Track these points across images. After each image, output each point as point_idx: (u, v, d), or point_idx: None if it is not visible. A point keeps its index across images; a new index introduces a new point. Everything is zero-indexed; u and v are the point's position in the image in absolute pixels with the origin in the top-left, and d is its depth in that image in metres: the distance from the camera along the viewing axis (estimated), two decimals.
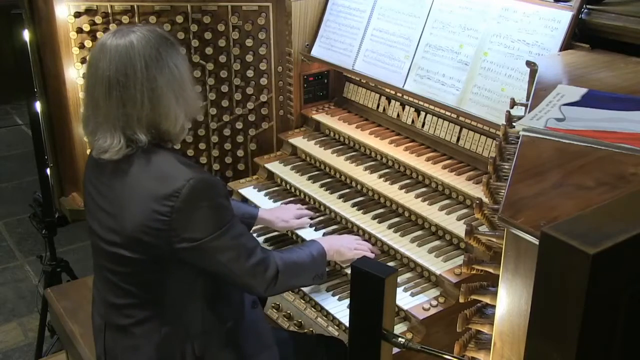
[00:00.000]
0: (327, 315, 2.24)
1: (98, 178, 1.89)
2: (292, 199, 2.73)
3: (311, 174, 2.80)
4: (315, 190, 2.67)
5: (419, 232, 2.38)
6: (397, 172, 2.64)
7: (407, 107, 2.78)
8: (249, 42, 2.97)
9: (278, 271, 1.92)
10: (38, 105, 3.08)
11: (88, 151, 3.15)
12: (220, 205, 1.81)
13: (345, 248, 2.24)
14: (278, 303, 2.38)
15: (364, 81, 2.93)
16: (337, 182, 2.72)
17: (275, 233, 2.61)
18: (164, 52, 1.78)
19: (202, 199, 1.76)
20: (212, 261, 1.82)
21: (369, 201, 2.58)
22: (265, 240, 2.57)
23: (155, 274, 1.84)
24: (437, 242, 2.32)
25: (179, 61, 1.82)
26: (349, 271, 2.28)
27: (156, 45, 1.77)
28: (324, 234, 2.48)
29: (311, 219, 2.57)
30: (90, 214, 1.95)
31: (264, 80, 3.05)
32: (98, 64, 1.77)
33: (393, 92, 2.82)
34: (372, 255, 2.31)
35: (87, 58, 1.82)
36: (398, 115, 2.82)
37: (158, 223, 1.75)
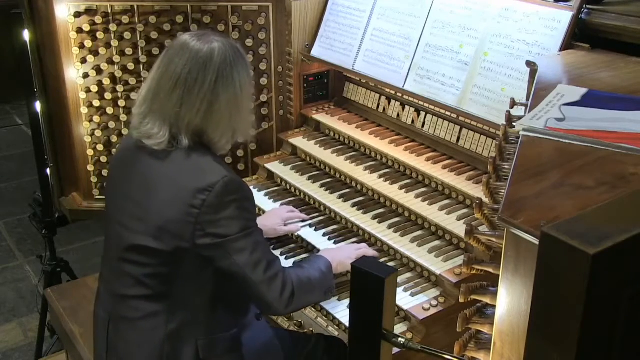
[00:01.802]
0: (327, 315, 2.24)
1: (130, 165, 1.92)
2: (292, 198, 2.73)
3: (311, 174, 2.80)
4: (315, 190, 2.67)
5: (419, 232, 2.38)
6: (397, 172, 2.64)
7: (407, 107, 2.78)
8: (249, 42, 2.97)
9: (294, 288, 1.92)
10: (38, 105, 3.09)
11: (88, 151, 3.17)
12: (247, 208, 1.86)
13: (347, 258, 2.24)
14: None
15: (364, 81, 2.93)
16: (337, 182, 2.72)
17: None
18: (235, 72, 1.84)
19: (233, 197, 1.80)
20: (231, 262, 1.83)
21: (369, 201, 2.58)
22: (265, 240, 2.56)
23: (171, 268, 1.85)
24: (437, 242, 2.32)
25: (245, 83, 1.87)
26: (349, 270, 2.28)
27: (232, 63, 1.83)
28: (324, 234, 2.49)
29: (303, 221, 2.57)
30: (112, 200, 1.97)
31: (264, 80, 3.05)
32: (174, 58, 1.82)
33: (393, 92, 2.82)
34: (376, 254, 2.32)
35: (164, 51, 1.88)
36: (398, 115, 2.82)
37: (187, 215, 1.78)
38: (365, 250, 2.32)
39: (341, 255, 2.24)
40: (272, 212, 2.59)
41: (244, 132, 1.95)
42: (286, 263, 2.39)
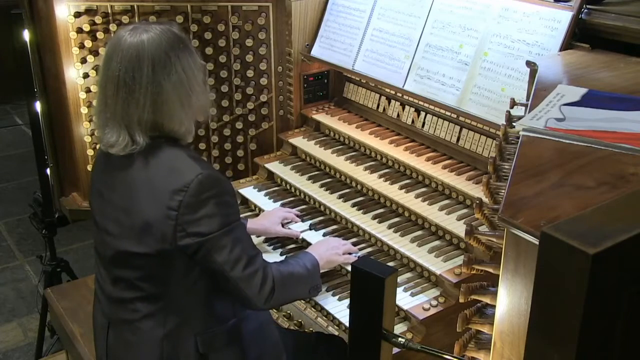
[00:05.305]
0: (327, 315, 2.24)
1: (109, 172, 1.91)
2: (292, 198, 2.73)
3: (311, 174, 2.80)
4: (315, 190, 2.67)
5: (419, 232, 2.38)
6: (397, 172, 2.64)
7: (407, 107, 2.78)
8: (249, 42, 2.97)
9: (274, 284, 1.92)
10: (38, 105, 3.09)
11: (88, 151, 3.17)
12: (226, 202, 1.83)
13: (334, 255, 2.26)
14: None
15: (364, 81, 2.93)
16: (337, 182, 2.72)
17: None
18: (173, 56, 1.79)
19: (210, 194, 1.78)
20: (211, 260, 1.82)
21: (369, 201, 2.58)
22: (266, 240, 2.57)
23: (160, 269, 1.85)
24: (437, 242, 2.32)
25: (188, 64, 1.82)
26: (349, 270, 2.28)
27: (166, 49, 1.78)
28: (324, 235, 2.49)
29: (301, 219, 2.58)
30: (96, 207, 1.97)
31: (264, 80, 3.05)
32: (110, 61, 1.81)
33: (393, 92, 2.82)
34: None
35: (104, 51, 1.87)
36: (398, 115, 2.82)
37: (167, 218, 1.77)
38: (349, 246, 2.34)
39: (328, 251, 2.25)
40: (269, 212, 2.59)
41: (203, 111, 1.93)
42: None
